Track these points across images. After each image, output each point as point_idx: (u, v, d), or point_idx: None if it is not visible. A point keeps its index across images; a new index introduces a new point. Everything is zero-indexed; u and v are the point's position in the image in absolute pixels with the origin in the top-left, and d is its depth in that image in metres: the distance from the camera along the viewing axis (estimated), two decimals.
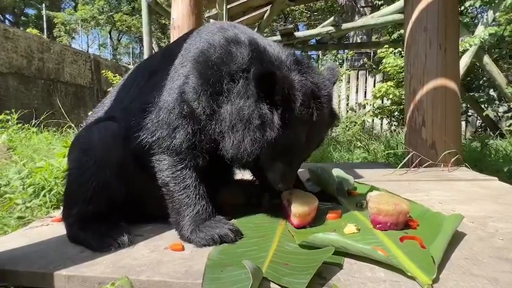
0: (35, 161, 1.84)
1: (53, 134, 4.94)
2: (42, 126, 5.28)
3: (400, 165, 2.02)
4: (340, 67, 10.01)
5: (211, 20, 6.15)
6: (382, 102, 7.21)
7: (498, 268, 0.78)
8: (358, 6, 11.57)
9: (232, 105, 1.00)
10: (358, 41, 11.17)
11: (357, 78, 10.27)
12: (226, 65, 1.04)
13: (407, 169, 1.99)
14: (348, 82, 10.24)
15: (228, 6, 5.42)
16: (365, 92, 9.85)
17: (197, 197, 1.05)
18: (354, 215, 1.15)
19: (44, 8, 10.89)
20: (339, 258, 0.84)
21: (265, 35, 9.92)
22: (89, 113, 1.57)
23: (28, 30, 9.70)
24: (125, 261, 0.92)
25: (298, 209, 1.04)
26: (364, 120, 8.23)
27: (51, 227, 1.27)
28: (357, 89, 10.26)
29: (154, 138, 1.06)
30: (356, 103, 9.92)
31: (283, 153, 1.05)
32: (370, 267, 0.81)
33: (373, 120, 8.67)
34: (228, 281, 0.76)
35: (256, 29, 6.50)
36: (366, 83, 10.12)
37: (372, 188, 1.46)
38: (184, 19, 2.83)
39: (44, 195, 1.76)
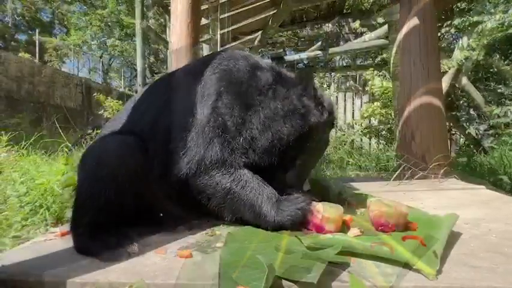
0: (34, 179, 1.83)
1: (40, 157, 4.86)
2: (30, 149, 5.19)
3: (393, 177, 2.11)
4: (328, 89, 10.39)
5: (204, 45, 6.39)
6: (370, 122, 7.47)
7: (496, 260, 0.84)
8: (343, 32, 12.24)
9: (266, 110, 1.19)
10: (344, 64, 11.71)
11: (344, 99, 10.66)
12: (255, 83, 1.23)
13: (401, 181, 2.07)
14: (336, 103, 10.58)
15: (221, 32, 5.68)
16: (352, 113, 10.20)
17: (260, 186, 1.14)
18: (356, 221, 1.20)
19: (37, 33, 11.06)
20: (346, 258, 0.88)
21: None
22: (98, 131, 1.60)
23: (20, 54, 9.73)
24: (138, 268, 0.93)
25: (331, 214, 1.06)
26: (353, 140, 8.44)
27: (56, 241, 1.26)
28: (345, 109, 10.63)
29: (199, 157, 1.14)
30: (344, 123, 10.23)
31: (308, 152, 1.24)
32: (377, 264, 0.85)
33: (361, 140, 8.92)
34: (244, 280, 0.78)
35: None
36: (353, 104, 10.51)
37: (370, 197, 1.52)
38: (182, 42, 2.95)
39: (42, 213, 1.74)
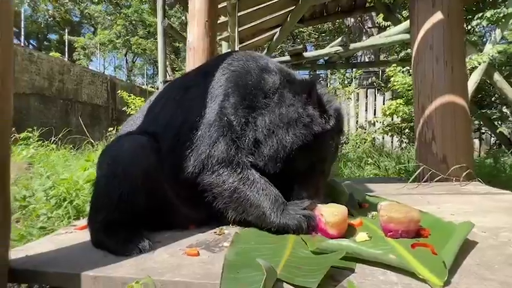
0: (58, 174, 1.94)
1: (69, 151, 5.14)
2: (59, 144, 5.50)
3: (411, 180, 2.03)
4: (349, 86, 10.15)
5: (223, 43, 6.43)
6: (392, 120, 7.22)
7: (510, 273, 0.79)
8: (365, 27, 11.87)
9: (271, 115, 1.19)
10: (366, 60, 11.37)
11: (366, 96, 10.36)
12: (262, 86, 1.23)
13: (419, 183, 1.99)
14: (357, 100, 10.33)
15: (239, 29, 5.68)
16: (374, 110, 9.90)
17: (267, 187, 1.14)
18: (365, 225, 1.18)
19: (66, 33, 11.63)
20: (351, 263, 0.87)
21: (274, 54, 10.21)
22: (120, 127, 1.67)
23: (51, 54, 10.27)
24: (147, 264, 0.97)
25: (333, 219, 1.04)
26: (374, 138, 8.21)
27: (75, 234, 1.33)
28: (366, 107, 10.34)
29: (204, 156, 1.16)
30: (365, 121, 9.96)
31: (318, 159, 1.22)
32: (383, 271, 0.84)
33: (383, 138, 8.65)
34: (244, 281, 0.80)
35: (266, 50, 6.73)
36: (375, 101, 10.20)
37: (383, 199, 1.49)
38: (199, 41, 2.99)
39: (65, 207, 1.85)
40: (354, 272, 0.84)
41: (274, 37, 5.96)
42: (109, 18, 15.62)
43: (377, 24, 10.88)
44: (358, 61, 12.05)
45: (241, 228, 1.23)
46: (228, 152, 1.16)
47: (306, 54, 6.87)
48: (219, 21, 5.59)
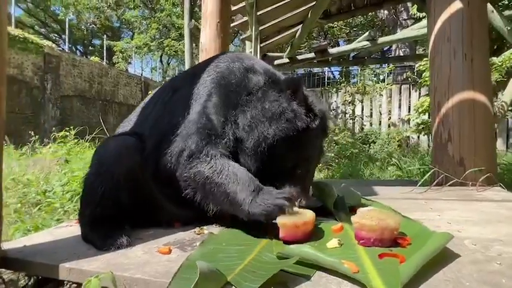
0: (73, 171, 2.12)
1: None
2: (97, 141, 5.93)
3: (419, 183, 1.89)
4: (380, 82, 9.66)
5: (247, 42, 6.47)
6: (429, 117, 6.74)
7: None
8: (400, 19, 11.18)
9: (253, 110, 1.18)
10: (401, 54, 10.71)
11: (400, 92, 9.79)
12: (245, 84, 1.24)
13: (429, 187, 1.85)
14: (389, 97, 9.80)
15: (261, 28, 5.68)
16: (408, 107, 9.33)
17: (238, 174, 1.09)
18: (346, 230, 1.12)
19: (104, 39, 12.52)
20: (309, 270, 0.84)
21: (300, 51, 10.03)
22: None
23: (92, 58, 11.09)
24: (119, 259, 1.02)
25: (282, 219, 1.01)
26: (409, 137, 7.74)
27: (74, 227, 1.44)
28: (400, 103, 9.77)
29: (177, 150, 1.18)
30: (399, 118, 9.42)
31: (302, 158, 1.20)
32: (339, 281, 0.80)
33: (418, 137, 8.12)
34: (187, 282, 0.80)
35: (289, 48, 6.65)
36: (409, 97, 9.60)
37: (378, 204, 1.41)
38: (211, 42, 3.05)
39: (77, 201, 2.00)
40: (309, 279, 0.81)
41: (297, 34, 5.87)
42: (145, 22, 16.50)
43: (413, 16, 10.22)
44: (392, 55, 11.41)
45: (222, 229, 1.24)
46: (198, 144, 1.15)
47: (331, 50, 6.68)
48: (241, 21, 5.64)
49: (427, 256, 0.81)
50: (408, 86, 9.64)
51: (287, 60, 6.56)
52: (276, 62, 6.58)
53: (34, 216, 2.00)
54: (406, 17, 10.82)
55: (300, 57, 6.65)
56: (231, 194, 1.08)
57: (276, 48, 9.09)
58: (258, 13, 4.96)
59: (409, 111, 9.01)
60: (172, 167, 1.20)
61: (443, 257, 0.88)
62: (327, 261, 0.82)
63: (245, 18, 5.46)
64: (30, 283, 1.19)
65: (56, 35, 19.13)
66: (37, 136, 5.15)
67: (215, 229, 1.25)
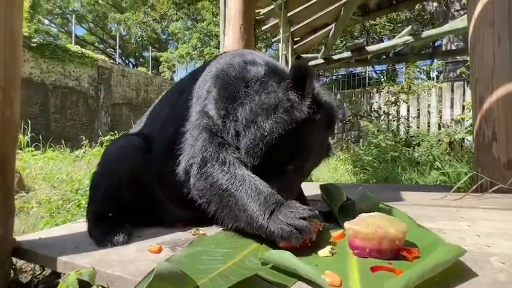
0: None
1: None
2: None
3: (453, 189, 1.65)
4: (428, 79, 8.87)
5: (280, 44, 6.42)
6: None
7: None
8: (452, 10, 10.18)
9: (251, 103, 1.10)
10: (453, 48, 9.72)
11: (452, 90, 8.88)
12: (243, 75, 1.17)
13: (465, 193, 1.60)
14: (440, 95, 8.95)
15: (293, 29, 5.59)
16: (463, 106, 8.40)
17: (257, 186, 1.01)
18: (346, 238, 1.01)
19: (150, 50, 13.48)
20: (289, 280, 0.76)
21: (337, 51, 9.65)
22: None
23: (139, 69, 11.98)
24: (110, 256, 1.04)
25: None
26: (463, 139, 6.96)
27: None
28: (452, 102, 8.85)
29: (188, 158, 1.12)
30: (451, 119, 8.54)
31: (299, 152, 1.09)
32: None
33: (473, 139, 7.26)
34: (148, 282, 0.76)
35: (323, 48, 6.44)
36: (463, 95, 8.65)
37: (396, 210, 1.25)
38: (235, 45, 3.07)
39: None
40: None
41: (330, 34, 5.66)
42: (187, 33, 17.41)
43: (466, 6, 9.24)
44: (443, 50, 10.43)
45: (220, 230, 1.20)
46: (208, 148, 1.08)
47: (369, 48, 6.31)
48: (272, 23, 5.62)
49: (424, 272, 0.67)
50: (462, 83, 8.71)
51: (322, 61, 6.35)
52: (311, 62, 6.41)
53: (68, 211, 2.16)
54: (458, 8, 9.83)
55: (335, 57, 6.39)
56: (249, 211, 0.98)
57: (312, 49, 8.89)
58: (289, 14, 4.89)
59: (463, 111, 8.12)
60: (183, 174, 1.13)
61: (453, 275, 0.73)
62: (306, 270, 0.73)
63: (276, 21, 5.43)
64: (44, 273, 1.27)
65: (112, 50, 21.11)
66: (87, 140, 5.69)
67: (215, 230, 1.22)
